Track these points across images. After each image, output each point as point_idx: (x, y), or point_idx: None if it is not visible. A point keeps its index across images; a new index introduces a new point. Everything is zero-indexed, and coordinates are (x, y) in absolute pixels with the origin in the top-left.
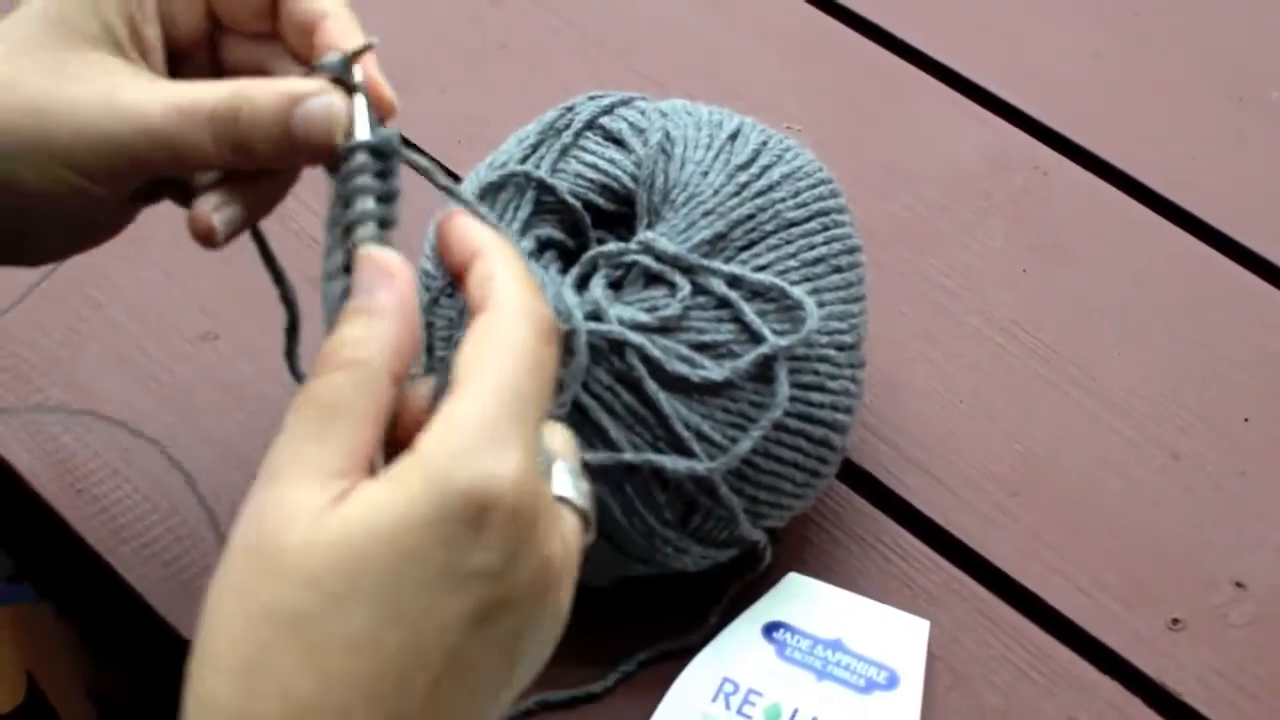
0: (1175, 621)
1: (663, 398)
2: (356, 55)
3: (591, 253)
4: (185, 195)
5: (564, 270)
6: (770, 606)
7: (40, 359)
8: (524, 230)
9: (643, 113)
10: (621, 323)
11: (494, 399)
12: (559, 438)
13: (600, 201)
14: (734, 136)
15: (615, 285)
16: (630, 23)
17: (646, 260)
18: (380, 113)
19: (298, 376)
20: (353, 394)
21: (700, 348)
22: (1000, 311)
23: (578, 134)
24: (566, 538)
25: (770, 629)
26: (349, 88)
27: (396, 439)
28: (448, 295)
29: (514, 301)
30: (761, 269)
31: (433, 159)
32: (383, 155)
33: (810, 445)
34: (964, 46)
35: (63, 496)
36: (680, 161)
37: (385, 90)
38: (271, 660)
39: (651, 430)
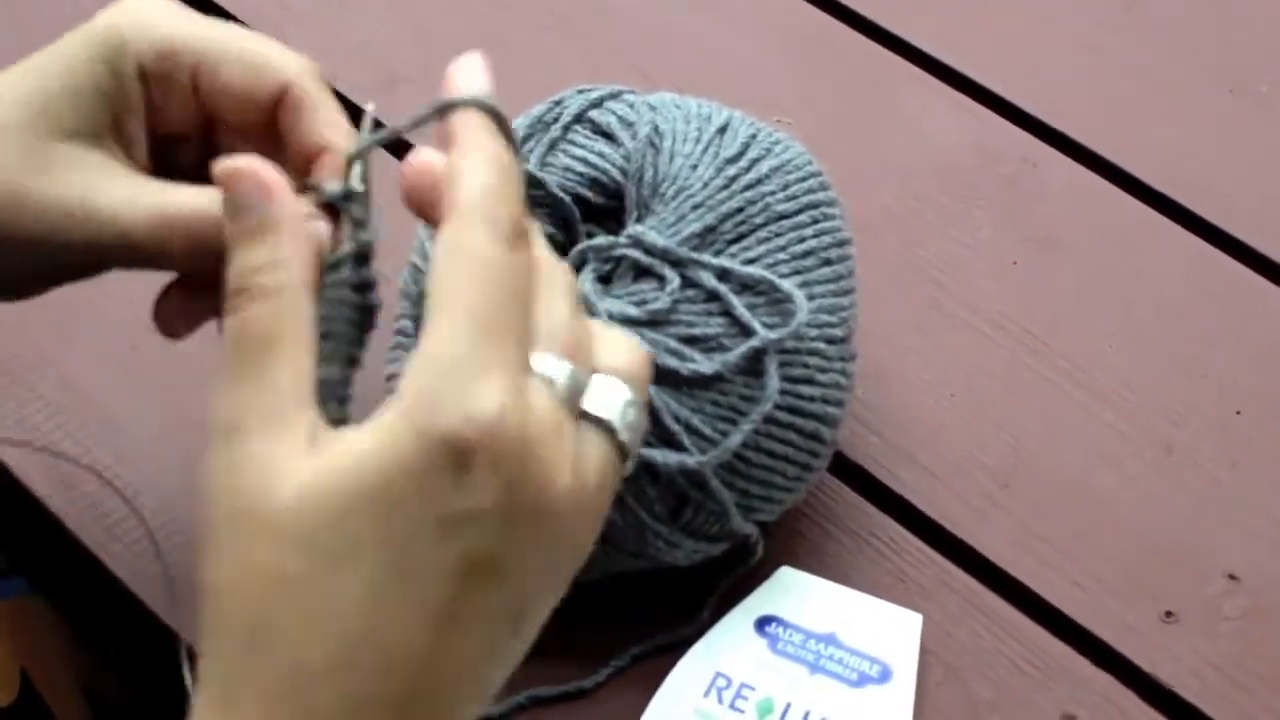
0: (1168, 614)
1: (652, 391)
2: (349, 196)
3: (580, 246)
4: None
5: None
6: (762, 600)
7: (31, 355)
8: None
9: (631, 106)
10: (611, 316)
11: (464, 328)
12: (630, 357)
13: (589, 195)
14: (723, 129)
15: (604, 279)
16: (620, 16)
17: (635, 254)
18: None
19: None
20: (280, 322)
21: (690, 341)
22: (991, 304)
23: (566, 128)
24: (585, 465)
25: (762, 623)
26: (338, 212)
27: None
28: None
29: (468, 207)
30: (751, 262)
31: None
32: (364, 261)
33: (801, 438)
34: (953, 38)
35: (54, 494)
36: (669, 155)
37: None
38: (275, 624)
39: None
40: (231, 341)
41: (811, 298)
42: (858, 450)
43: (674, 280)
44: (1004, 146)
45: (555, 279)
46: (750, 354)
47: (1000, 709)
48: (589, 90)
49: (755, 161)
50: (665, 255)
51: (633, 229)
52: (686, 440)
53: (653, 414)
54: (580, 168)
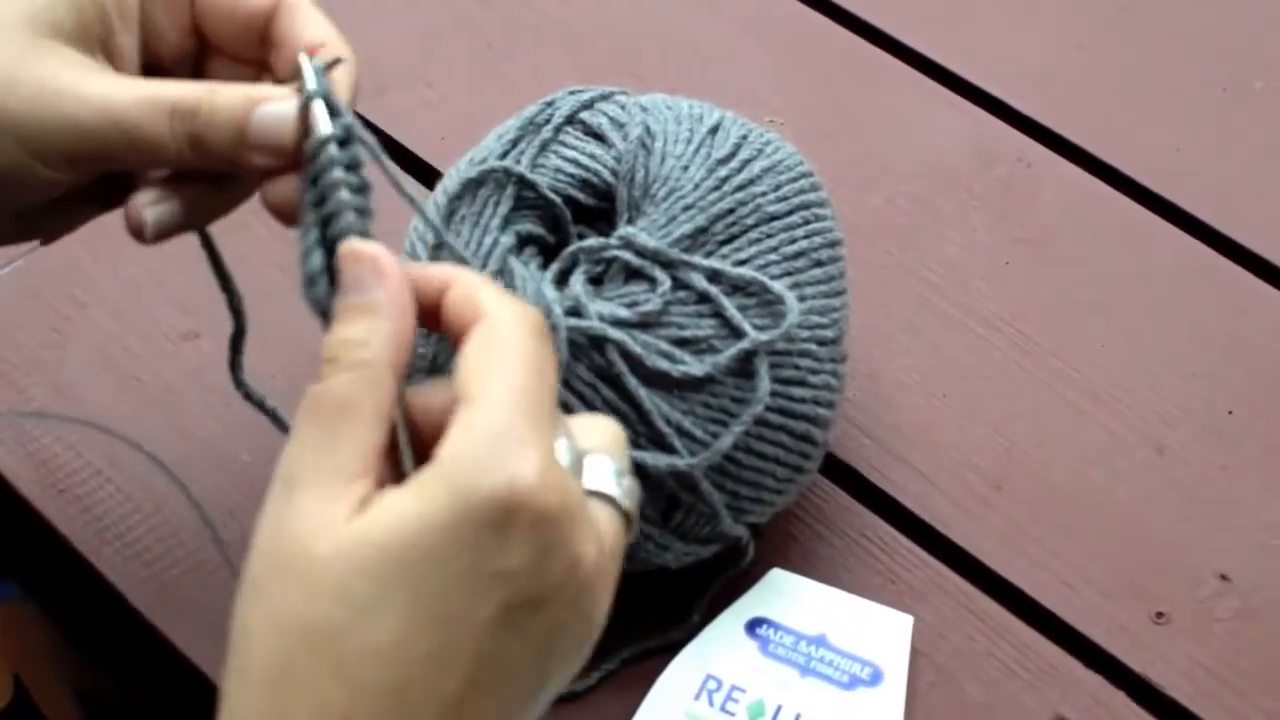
0: (1160, 615)
1: (643, 393)
2: (330, 67)
3: (572, 248)
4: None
5: (544, 266)
6: (753, 603)
7: (23, 360)
8: (504, 225)
9: (623, 107)
10: (602, 318)
11: (508, 404)
12: (605, 433)
13: (580, 197)
14: (714, 130)
15: (595, 281)
16: (611, 18)
17: (627, 255)
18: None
19: (241, 385)
20: (361, 395)
21: (681, 343)
22: (983, 304)
23: (558, 129)
24: (603, 537)
25: (753, 625)
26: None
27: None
28: None
29: (505, 309)
30: (742, 263)
31: (417, 157)
32: (348, 145)
33: (792, 440)
34: (946, 39)
35: (45, 498)
36: (660, 156)
37: (345, 94)
38: (301, 672)
39: (632, 426)
40: (310, 403)
41: (803, 299)
42: (849, 452)
43: (665, 282)
44: (997, 147)
45: None
46: (741, 355)
47: (992, 710)
48: (580, 91)
49: (747, 162)
50: (656, 257)
51: (624, 230)
52: (677, 442)
53: (643, 415)
54: (571, 169)
